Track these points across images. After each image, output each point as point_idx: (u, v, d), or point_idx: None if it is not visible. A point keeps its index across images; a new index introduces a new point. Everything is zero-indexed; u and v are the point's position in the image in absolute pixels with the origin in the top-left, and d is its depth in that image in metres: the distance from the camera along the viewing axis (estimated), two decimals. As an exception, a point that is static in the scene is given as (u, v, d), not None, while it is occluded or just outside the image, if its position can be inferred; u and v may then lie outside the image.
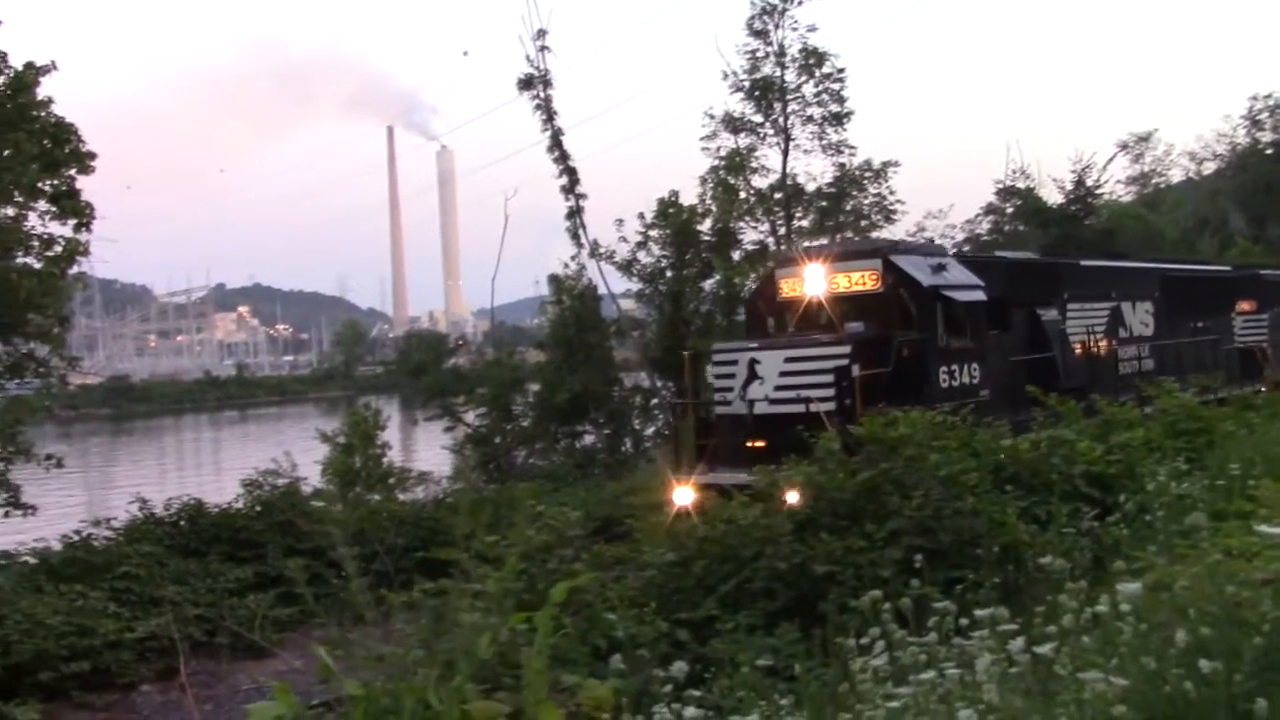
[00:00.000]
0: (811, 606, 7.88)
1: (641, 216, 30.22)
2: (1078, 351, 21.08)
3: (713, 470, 16.47)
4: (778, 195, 31.82)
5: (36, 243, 19.43)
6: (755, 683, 5.30)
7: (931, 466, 9.38)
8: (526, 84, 30.27)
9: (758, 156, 31.76)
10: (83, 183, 20.00)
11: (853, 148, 31.71)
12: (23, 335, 19.34)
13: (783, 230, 31.76)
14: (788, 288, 18.73)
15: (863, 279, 17.93)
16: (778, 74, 31.33)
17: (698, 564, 8.83)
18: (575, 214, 30.43)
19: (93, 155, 20.14)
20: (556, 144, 30.25)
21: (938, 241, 32.70)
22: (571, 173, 30.30)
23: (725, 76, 31.50)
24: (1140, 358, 23.20)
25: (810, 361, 16.37)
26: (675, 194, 30.56)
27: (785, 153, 31.57)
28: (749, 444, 15.93)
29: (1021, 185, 40.14)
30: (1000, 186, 40.49)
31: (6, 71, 19.43)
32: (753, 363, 16.71)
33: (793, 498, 13.29)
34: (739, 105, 31.60)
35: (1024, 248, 31.45)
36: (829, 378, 16.01)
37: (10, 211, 19.11)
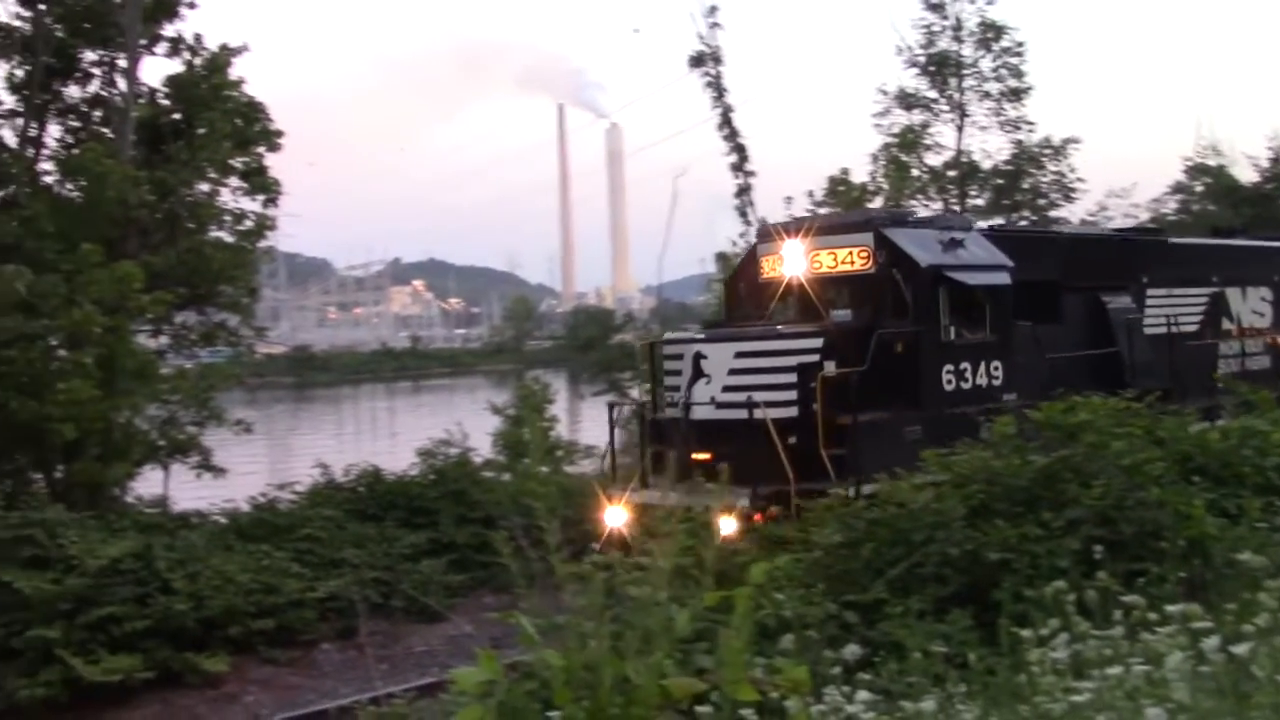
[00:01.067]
0: (984, 594, 7.71)
1: (811, 194, 29.99)
2: (1154, 346, 17.71)
3: (647, 486, 14.20)
4: (951, 173, 31.18)
5: (228, 218, 20.40)
6: (929, 668, 5.22)
7: (1113, 455, 9.06)
8: (697, 61, 30.15)
9: (931, 133, 31.20)
10: (270, 160, 20.94)
11: (1031, 124, 30.86)
12: (215, 306, 20.32)
13: (956, 209, 31.07)
14: (768, 267, 15.71)
15: (851, 257, 14.91)
16: (954, 48, 30.64)
17: (866, 546, 8.72)
18: (744, 191, 30.29)
19: (280, 134, 21.04)
20: (726, 121, 30.12)
21: (1120, 221, 31.45)
22: (741, 150, 30.14)
23: (900, 52, 30.98)
24: (1247, 354, 19.78)
25: (769, 357, 13.76)
26: (846, 171, 30.29)
27: (960, 129, 30.90)
28: (692, 456, 13.43)
29: (1212, 162, 38.32)
30: (1189, 164, 38.74)
31: (203, 53, 20.40)
32: (698, 357, 14.00)
33: (728, 527, 11.38)
34: (913, 81, 31.07)
35: (1213, 227, 29.88)
36: (790, 377, 13.47)
37: (205, 187, 20.08)
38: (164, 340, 19.87)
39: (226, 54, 20.26)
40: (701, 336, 15.06)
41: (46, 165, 20.08)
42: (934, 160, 31.24)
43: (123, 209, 17.81)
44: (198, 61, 20.33)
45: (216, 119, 19.40)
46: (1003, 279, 15.29)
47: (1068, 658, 4.33)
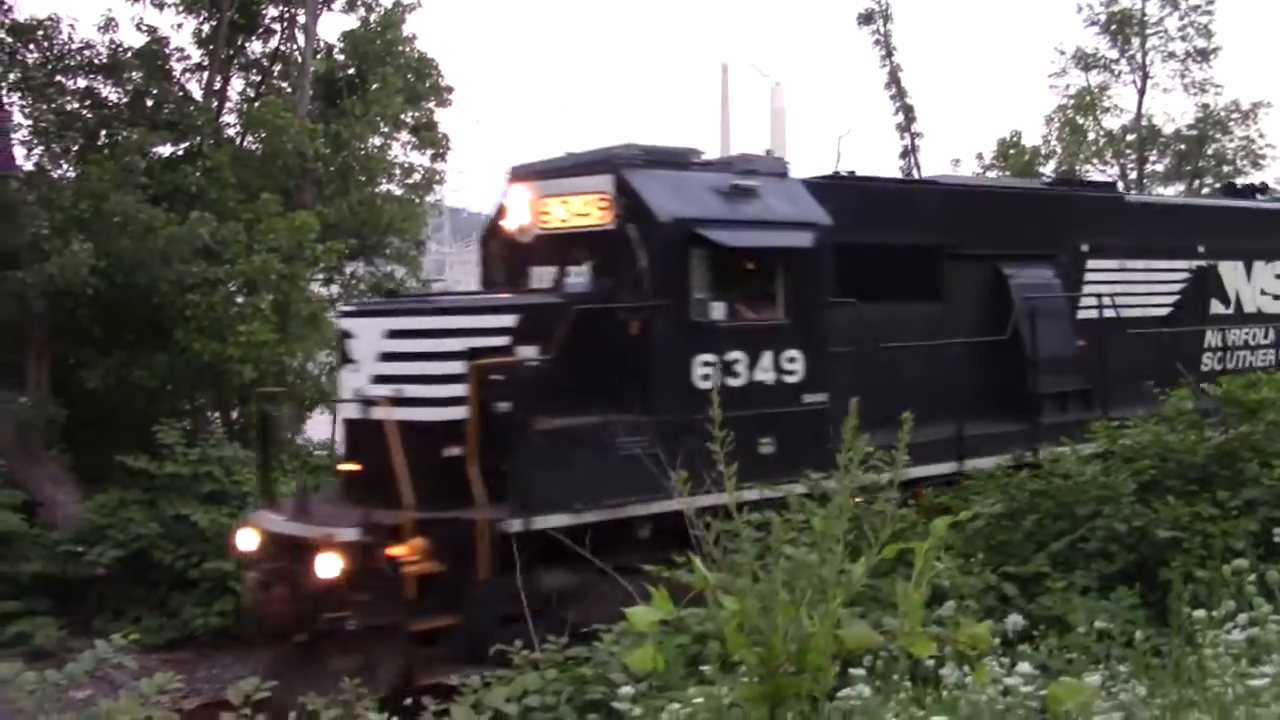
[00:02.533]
0: (1151, 573, 7.47)
1: (980, 156, 29.31)
2: (1083, 335, 13.85)
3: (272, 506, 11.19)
4: (1130, 137, 30.05)
5: (398, 171, 20.93)
6: (1093, 645, 5.09)
7: (1296, 434, 8.64)
8: (867, 19, 29.70)
9: (1110, 95, 30.16)
10: (439, 115, 21.43)
11: (1219, 86, 29.54)
12: (383, 257, 20.92)
13: (1134, 175, 29.94)
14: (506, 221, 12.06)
15: (586, 207, 11.15)
16: (1138, 6, 29.44)
17: (1028, 518, 8.52)
18: (910, 152, 29.76)
19: (450, 89, 21.51)
20: (894, 80, 29.59)
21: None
22: (908, 110, 29.60)
23: (1079, 10, 29.95)
24: (1252, 346, 15.87)
25: (431, 339, 10.31)
26: (1017, 134, 29.52)
27: (1141, 91, 29.83)
28: (338, 466, 11.06)
29: None
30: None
31: (378, 9, 20.91)
32: (344, 336, 10.81)
33: (329, 568, 9.08)
34: (1093, 40, 30.02)
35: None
36: (458, 366, 10.00)
37: (377, 141, 20.63)
38: (335, 289, 20.51)
39: (400, 10, 20.73)
40: (352, 309, 12.10)
41: (229, 118, 20.90)
42: (1112, 123, 30.21)
43: (300, 161, 18.42)
44: (373, 18, 20.85)
45: (389, 74, 19.88)
46: (801, 240, 11.38)
47: (1244, 640, 4.16)
